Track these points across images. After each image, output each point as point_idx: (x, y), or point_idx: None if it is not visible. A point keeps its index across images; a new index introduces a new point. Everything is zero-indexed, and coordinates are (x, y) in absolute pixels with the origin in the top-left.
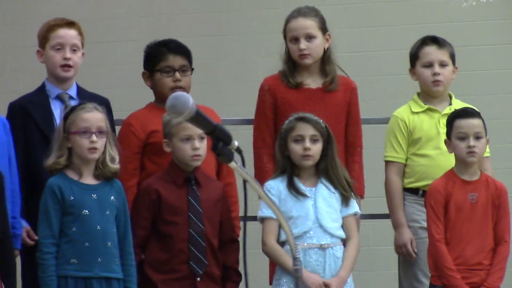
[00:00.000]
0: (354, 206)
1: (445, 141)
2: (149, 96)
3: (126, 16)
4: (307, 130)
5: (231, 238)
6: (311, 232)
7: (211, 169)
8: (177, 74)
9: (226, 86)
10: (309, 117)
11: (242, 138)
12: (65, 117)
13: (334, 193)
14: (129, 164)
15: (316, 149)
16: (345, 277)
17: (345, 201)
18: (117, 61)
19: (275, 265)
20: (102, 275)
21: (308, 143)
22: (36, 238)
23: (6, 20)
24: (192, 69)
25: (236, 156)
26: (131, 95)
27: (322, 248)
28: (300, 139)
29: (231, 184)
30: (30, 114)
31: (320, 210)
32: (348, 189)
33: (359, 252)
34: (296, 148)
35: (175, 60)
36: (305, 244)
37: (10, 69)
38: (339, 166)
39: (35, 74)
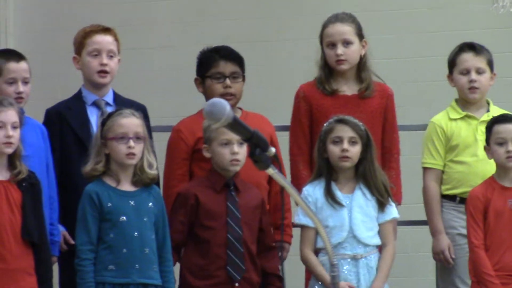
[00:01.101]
0: (392, 212)
1: (485, 147)
2: (187, 102)
3: (165, 23)
4: (346, 132)
5: (270, 245)
6: (345, 243)
7: (262, 177)
8: (228, 81)
9: (261, 93)
10: (348, 119)
11: (282, 145)
12: (102, 123)
13: (371, 200)
14: (177, 170)
15: (354, 151)
16: (380, 285)
17: (382, 207)
18: (156, 67)
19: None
20: (140, 282)
21: (346, 145)
22: (72, 242)
23: (43, 27)
24: (244, 76)
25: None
26: (169, 101)
27: (355, 258)
28: (338, 141)
29: (277, 193)
30: (66, 120)
31: (355, 220)
32: (385, 194)
33: (394, 259)
34: (334, 150)
35: (226, 67)
36: (338, 255)
37: (47, 76)
38: (378, 171)
39: (71, 81)
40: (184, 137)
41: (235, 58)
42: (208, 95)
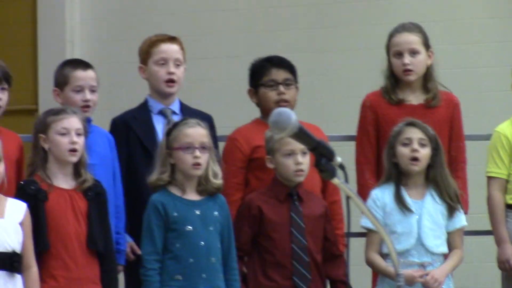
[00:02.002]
0: (461, 220)
1: None
2: (253, 112)
3: (229, 32)
4: (415, 133)
5: (336, 253)
6: (413, 250)
7: (316, 187)
8: (281, 88)
9: (328, 102)
10: (417, 122)
11: (345, 155)
12: (168, 133)
13: (440, 207)
14: (233, 178)
15: (424, 153)
16: (447, 270)
17: (451, 214)
18: (221, 77)
19: (377, 279)
20: None
21: (416, 145)
22: (139, 252)
23: (109, 37)
24: (297, 83)
25: (339, 172)
26: (235, 111)
27: (422, 266)
28: (408, 143)
29: (336, 202)
30: (132, 129)
31: (424, 228)
32: (456, 201)
33: (461, 261)
34: (403, 151)
35: (278, 74)
36: (406, 262)
37: (113, 85)
38: (449, 176)
39: (137, 90)
40: (240, 145)
41: (287, 66)
42: (262, 104)
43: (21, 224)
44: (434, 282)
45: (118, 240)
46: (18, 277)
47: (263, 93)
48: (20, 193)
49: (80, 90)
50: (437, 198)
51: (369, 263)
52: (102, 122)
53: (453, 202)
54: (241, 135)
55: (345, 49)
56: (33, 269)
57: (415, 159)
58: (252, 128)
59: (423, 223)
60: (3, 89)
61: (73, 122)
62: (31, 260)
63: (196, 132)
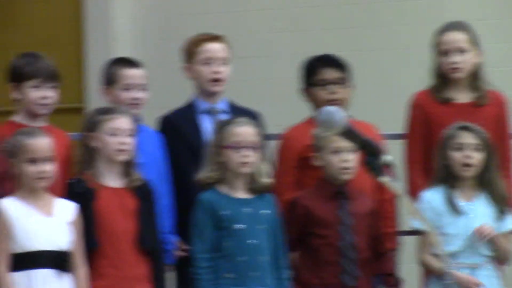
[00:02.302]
0: (510, 222)
1: None
2: (304, 110)
3: (279, 31)
4: (469, 139)
5: (383, 251)
6: (464, 252)
7: (366, 185)
8: (332, 87)
9: (376, 101)
10: (471, 126)
11: (393, 153)
12: (217, 131)
13: (490, 209)
14: (285, 177)
15: (478, 158)
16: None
17: (501, 215)
18: (271, 75)
19: (428, 279)
20: None
21: (469, 151)
22: (186, 247)
23: (156, 36)
24: (350, 82)
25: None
26: (287, 110)
27: (472, 267)
28: (460, 148)
29: (388, 200)
30: (179, 128)
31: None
32: (505, 203)
33: (509, 258)
34: (456, 156)
35: (329, 73)
36: (457, 263)
37: (160, 84)
38: (500, 178)
39: (185, 89)
40: (292, 144)
41: (338, 65)
42: (314, 104)
43: (71, 223)
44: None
45: (166, 239)
46: (67, 276)
47: (314, 92)
48: (68, 192)
49: (128, 88)
50: (488, 200)
51: (423, 264)
52: (150, 121)
53: (503, 205)
54: (293, 134)
55: (391, 47)
56: (83, 269)
57: (467, 165)
58: (304, 127)
59: (474, 225)
60: (52, 87)
61: (123, 122)
62: (80, 259)
63: (245, 131)
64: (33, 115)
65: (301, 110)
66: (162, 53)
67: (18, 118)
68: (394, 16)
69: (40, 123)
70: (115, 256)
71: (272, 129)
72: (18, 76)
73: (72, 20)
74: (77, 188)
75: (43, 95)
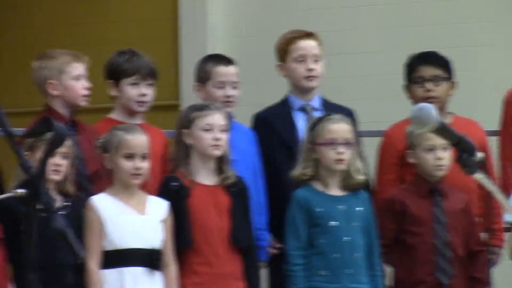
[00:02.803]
0: None
1: None
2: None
3: (371, 28)
4: None
5: (477, 249)
6: None
7: (470, 180)
8: (428, 84)
9: (471, 97)
10: None
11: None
12: (312, 128)
13: None
14: (387, 174)
15: None
16: None
17: None
18: (364, 72)
19: None
20: (351, 286)
21: None
22: (279, 245)
23: (250, 32)
24: (450, 79)
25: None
26: (380, 107)
27: None
28: None
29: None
30: (273, 125)
31: None
32: None
33: None
34: None
35: (426, 70)
36: None
37: (254, 81)
38: None
39: (279, 86)
40: (393, 142)
41: (437, 62)
42: (413, 100)
43: (163, 222)
44: None
45: (260, 236)
46: (158, 274)
47: (413, 89)
48: (162, 190)
49: (222, 86)
50: None
51: None
52: (244, 118)
53: None
54: (395, 131)
55: (480, 44)
56: (172, 267)
57: None
58: (406, 124)
59: None
60: (149, 84)
61: (217, 118)
62: (171, 257)
63: (340, 127)
64: (130, 113)
65: (405, 107)
66: (256, 50)
67: (115, 116)
68: (492, 11)
69: (136, 121)
70: (209, 253)
71: (374, 126)
72: (116, 73)
73: (168, 17)
74: (171, 185)
75: (141, 92)
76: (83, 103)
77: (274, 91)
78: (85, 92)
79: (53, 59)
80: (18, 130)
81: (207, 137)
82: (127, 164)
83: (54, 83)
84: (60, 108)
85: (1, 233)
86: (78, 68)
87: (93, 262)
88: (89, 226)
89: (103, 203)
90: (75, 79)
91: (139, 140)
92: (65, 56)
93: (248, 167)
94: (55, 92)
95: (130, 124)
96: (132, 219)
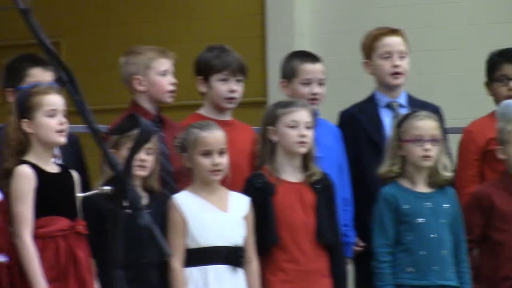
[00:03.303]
0: None
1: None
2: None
3: (454, 25)
4: None
5: None
6: None
7: None
8: (511, 83)
9: None
10: None
11: None
12: (398, 125)
13: None
14: (468, 170)
15: None
16: None
17: None
18: (453, 69)
19: None
20: (438, 283)
21: None
22: (363, 244)
23: (337, 29)
24: None
25: None
26: (462, 103)
27: None
28: None
29: None
30: (360, 123)
31: None
32: None
33: None
34: None
35: (509, 69)
36: None
37: (340, 78)
38: None
39: (366, 82)
40: (475, 138)
41: None
42: (495, 98)
43: (245, 218)
44: None
45: (345, 232)
46: (241, 271)
47: (495, 87)
48: (247, 187)
49: (308, 83)
50: None
51: None
52: (330, 115)
53: None
54: (476, 127)
55: None
56: (254, 263)
57: None
58: (487, 120)
59: None
60: (238, 81)
61: (303, 115)
62: (252, 254)
63: (427, 124)
64: (219, 109)
65: (487, 103)
66: (343, 47)
67: (203, 111)
68: None
69: (225, 117)
70: (295, 250)
71: (456, 123)
72: (205, 69)
73: (255, 14)
74: (256, 183)
75: (230, 88)
76: (169, 99)
77: (361, 88)
78: (171, 88)
79: (139, 54)
80: (103, 127)
81: (293, 134)
82: (205, 161)
83: (140, 79)
84: (146, 104)
85: (85, 230)
86: (164, 64)
87: (177, 261)
88: (173, 224)
89: (186, 201)
90: (161, 74)
91: (215, 136)
92: (151, 51)
93: (334, 164)
94: (141, 88)
95: (205, 121)
96: (215, 216)
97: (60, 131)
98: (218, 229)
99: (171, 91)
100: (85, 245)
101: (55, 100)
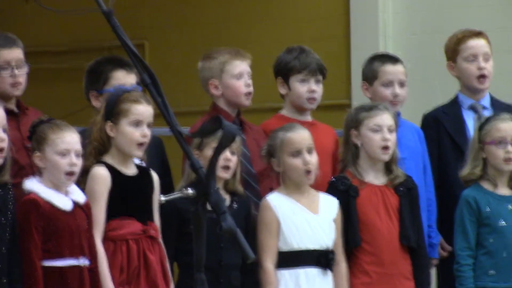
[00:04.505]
0: None
1: None
2: None
3: None
4: None
5: None
6: None
7: None
8: None
9: None
10: None
11: None
12: (480, 127)
13: None
14: None
15: None
16: None
17: None
18: None
19: None
20: None
21: None
22: (449, 249)
23: (422, 30)
24: None
25: None
26: None
27: None
28: None
29: None
30: (443, 125)
31: None
32: None
33: None
34: None
35: None
36: None
37: (425, 79)
38: None
39: (450, 84)
40: None
41: None
42: None
43: (334, 220)
44: None
45: (430, 233)
46: (330, 273)
47: None
48: (331, 189)
49: (389, 84)
50: None
51: None
52: (414, 116)
53: None
54: None
55: None
56: (343, 264)
57: None
58: None
59: None
60: (317, 81)
61: (386, 119)
62: (341, 255)
63: (509, 126)
64: (300, 109)
65: None
66: (428, 48)
67: (285, 112)
68: None
69: (306, 118)
70: (379, 253)
71: None
72: (285, 70)
73: (339, 16)
74: (339, 186)
75: (310, 88)
76: (245, 101)
77: (444, 89)
78: (246, 90)
79: (214, 59)
80: (186, 129)
81: (376, 138)
82: (296, 161)
83: (215, 83)
84: (225, 107)
85: (157, 234)
86: (239, 66)
87: (269, 261)
88: (266, 226)
89: (279, 202)
90: (236, 77)
91: (302, 135)
92: (225, 55)
93: (417, 165)
94: (217, 92)
95: (288, 123)
96: (307, 218)
97: (140, 144)
98: (310, 232)
99: (247, 93)
100: (157, 249)
101: (143, 111)
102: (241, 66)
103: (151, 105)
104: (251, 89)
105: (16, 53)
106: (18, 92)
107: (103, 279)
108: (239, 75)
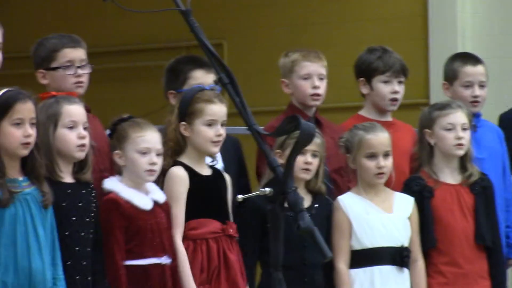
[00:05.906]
0: None
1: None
2: None
3: None
4: None
5: None
6: None
7: None
8: None
9: None
10: None
11: None
12: None
13: None
14: None
15: None
16: None
17: None
18: None
19: None
20: None
21: None
22: None
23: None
24: None
25: None
26: None
27: None
28: None
29: None
30: None
31: None
32: None
33: None
34: None
35: None
36: None
37: (503, 79)
38: None
39: None
40: None
41: None
42: None
43: (409, 218)
44: None
45: (507, 233)
46: (406, 271)
47: None
48: (405, 189)
49: (469, 85)
50: None
51: None
52: (492, 116)
53: None
54: None
55: None
56: (419, 262)
57: None
58: None
59: None
60: (400, 82)
61: (459, 117)
62: (418, 253)
63: None
64: (381, 110)
65: None
66: (507, 48)
67: (365, 113)
68: None
69: (386, 118)
70: (454, 253)
71: None
72: (367, 71)
73: (417, 16)
74: (414, 186)
75: (393, 89)
76: (311, 102)
77: None
78: (312, 91)
79: (287, 58)
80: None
81: (450, 137)
82: (370, 164)
83: (286, 82)
84: (299, 106)
85: (235, 233)
86: (307, 67)
87: (342, 262)
88: (338, 226)
89: (351, 203)
90: (303, 78)
91: (380, 138)
92: (296, 55)
93: (496, 165)
94: (288, 91)
95: (370, 122)
96: (380, 217)
97: (215, 142)
98: (383, 230)
99: (314, 95)
100: (236, 248)
101: (217, 110)
102: (310, 68)
103: (224, 103)
104: (318, 91)
105: (79, 53)
106: (81, 90)
107: (184, 278)
108: (306, 76)
